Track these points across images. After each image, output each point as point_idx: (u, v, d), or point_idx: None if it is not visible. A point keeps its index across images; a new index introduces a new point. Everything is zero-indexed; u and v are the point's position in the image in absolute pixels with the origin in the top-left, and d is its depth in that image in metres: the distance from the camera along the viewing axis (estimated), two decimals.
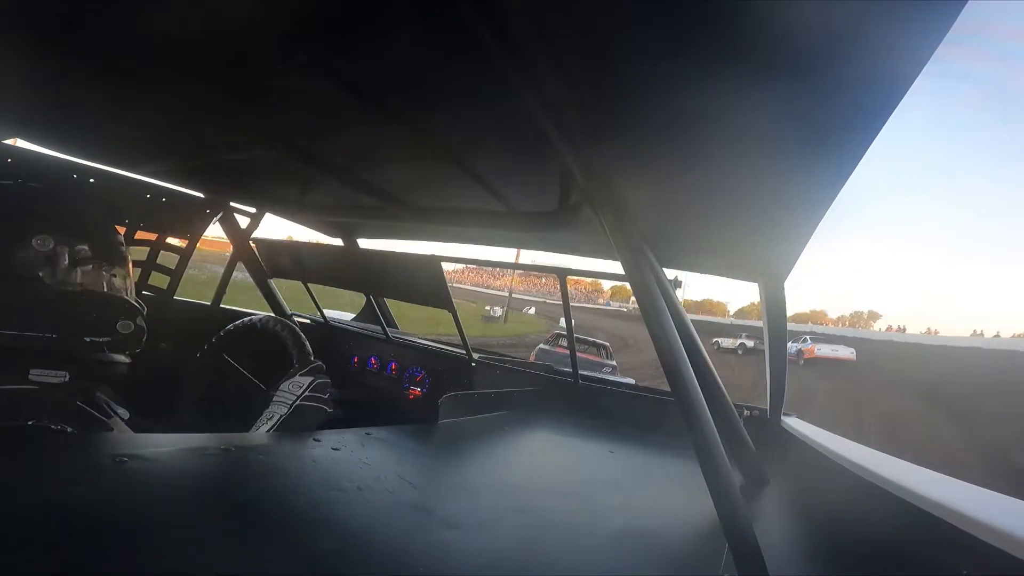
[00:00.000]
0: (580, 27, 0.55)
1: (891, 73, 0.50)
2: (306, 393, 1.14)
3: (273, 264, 2.08)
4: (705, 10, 0.49)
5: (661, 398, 1.62)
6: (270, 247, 2.03)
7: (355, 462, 0.85)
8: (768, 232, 0.99)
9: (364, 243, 2.07)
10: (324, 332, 2.20)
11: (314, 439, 0.91)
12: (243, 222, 1.95)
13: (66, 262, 0.80)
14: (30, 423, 0.71)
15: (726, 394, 1.03)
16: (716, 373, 1.00)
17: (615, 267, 1.33)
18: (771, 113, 0.61)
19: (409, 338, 2.15)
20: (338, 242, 2.04)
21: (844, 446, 1.10)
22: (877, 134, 0.58)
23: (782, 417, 1.42)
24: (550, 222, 1.23)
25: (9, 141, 1.27)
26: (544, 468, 1.13)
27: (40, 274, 0.78)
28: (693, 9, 0.49)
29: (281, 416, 1.08)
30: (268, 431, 1.05)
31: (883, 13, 0.44)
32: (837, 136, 0.61)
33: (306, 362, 1.28)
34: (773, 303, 1.21)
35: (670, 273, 1.19)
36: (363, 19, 0.63)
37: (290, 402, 1.12)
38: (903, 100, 0.53)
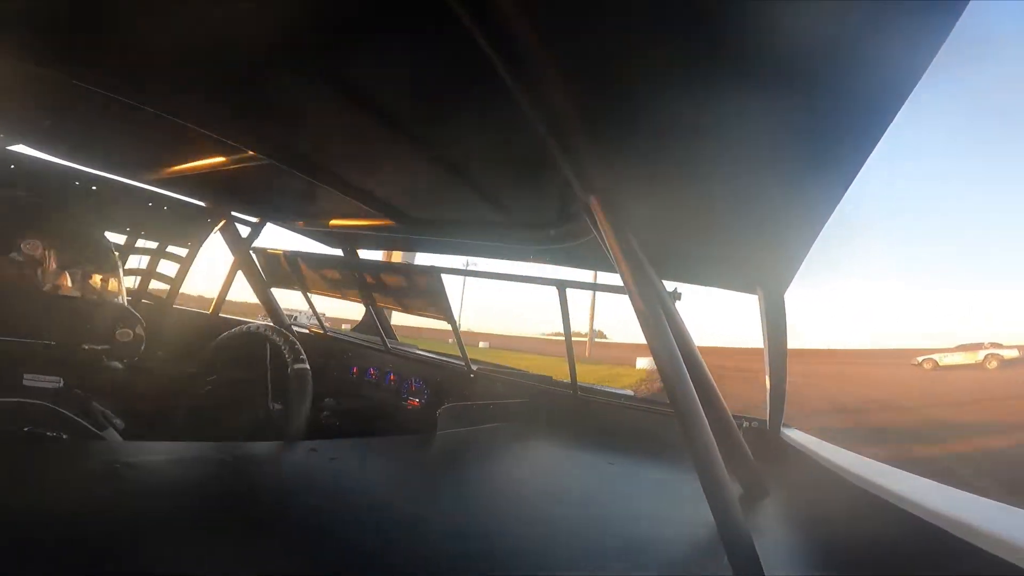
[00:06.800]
0: (582, 41, 0.56)
1: (888, 82, 0.50)
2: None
3: (273, 274, 2.08)
4: (706, 24, 0.50)
5: (660, 410, 1.61)
6: (270, 257, 2.03)
7: (353, 471, 0.84)
8: (767, 242, 0.99)
9: (364, 253, 2.08)
10: (323, 343, 2.19)
11: (311, 449, 0.91)
12: (244, 232, 1.96)
13: (54, 266, 0.81)
14: (26, 429, 0.70)
15: (725, 406, 1.02)
16: (715, 384, 0.99)
17: (614, 279, 1.34)
18: (770, 123, 0.61)
19: (408, 349, 2.14)
20: (338, 252, 2.05)
21: (845, 457, 1.09)
22: (876, 144, 0.58)
23: (782, 429, 1.41)
24: (550, 234, 1.24)
25: (13, 147, 1.28)
26: (544, 478, 1.12)
27: (30, 278, 0.78)
28: (694, 23, 0.50)
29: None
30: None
31: (880, 23, 0.45)
32: (836, 146, 0.62)
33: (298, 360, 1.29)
34: (773, 314, 1.20)
35: (669, 285, 1.19)
36: (366, 31, 0.64)
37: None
38: (901, 111, 0.53)
